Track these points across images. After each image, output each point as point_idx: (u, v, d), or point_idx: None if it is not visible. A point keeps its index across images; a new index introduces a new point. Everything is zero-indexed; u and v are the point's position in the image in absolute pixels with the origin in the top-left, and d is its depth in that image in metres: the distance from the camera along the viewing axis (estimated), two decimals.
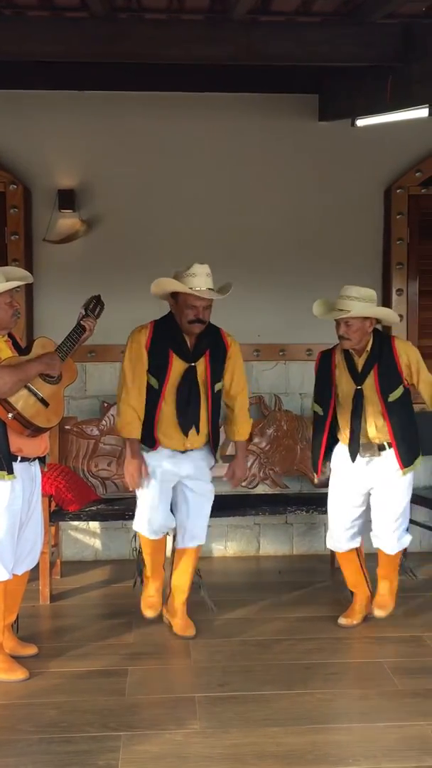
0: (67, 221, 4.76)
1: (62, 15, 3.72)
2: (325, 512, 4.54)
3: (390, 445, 3.64)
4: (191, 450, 3.66)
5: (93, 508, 4.39)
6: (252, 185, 4.85)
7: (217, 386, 3.66)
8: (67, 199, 4.70)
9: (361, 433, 3.63)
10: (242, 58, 3.91)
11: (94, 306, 3.59)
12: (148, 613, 3.78)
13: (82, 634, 3.82)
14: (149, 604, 3.80)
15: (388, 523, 3.71)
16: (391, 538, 3.72)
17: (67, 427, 4.66)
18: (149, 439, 3.63)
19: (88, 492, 4.51)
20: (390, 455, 3.65)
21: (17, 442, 3.27)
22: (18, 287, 3.39)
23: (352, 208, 4.90)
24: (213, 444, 3.73)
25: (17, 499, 3.29)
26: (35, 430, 3.29)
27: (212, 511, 3.77)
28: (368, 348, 3.63)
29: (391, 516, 3.70)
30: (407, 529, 3.81)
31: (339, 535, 3.79)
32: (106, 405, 4.73)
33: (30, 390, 3.27)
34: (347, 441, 3.67)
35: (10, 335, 3.38)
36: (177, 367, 3.58)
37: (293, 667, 3.45)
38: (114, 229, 4.80)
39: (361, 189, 4.91)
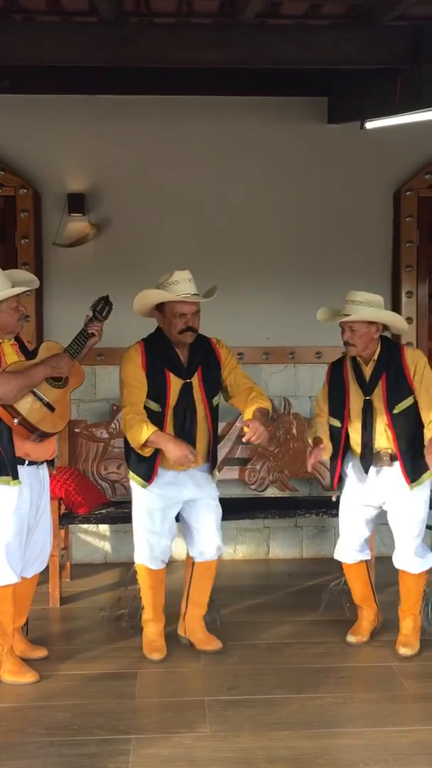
0: (77, 225, 4.77)
1: (72, 20, 3.74)
2: (335, 516, 4.54)
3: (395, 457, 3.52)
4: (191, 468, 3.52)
5: (103, 510, 4.40)
6: (261, 188, 4.85)
7: (215, 400, 3.55)
8: (76, 203, 4.72)
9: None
10: (251, 62, 3.92)
11: (102, 307, 3.58)
12: (155, 656, 3.53)
13: (92, 636, 3.82)
14: (154, 648, 3.56)
15: (408, 542, 3.57)
16: (413, 557, 3.58)
17: (76, 430, 4.67)
18: (148, 472, 3.45)
19: (97, 495, 4.52)
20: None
21: (24, 447, 3.28)
22: (28, 292, 3.39)
23: (362, 210, 4.90)
24: (212, 461, 3.60)
25: (25, 503, 3.30)
26: (41, 435, 3.29)
27: (222, 515, 3.73)
28: (375, 356, 3.51)
29: (410, 534, 3.56)
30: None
31: (347, 546, 3.71)
32: (115, 408, 4.74)
33: (35, 395, 3.26)
34: (359, 453, 3.57)
35: (17, 338, 3.38)
36: (174, 385, 3.45)
37: (304, 670, 3.45)
38: (123, 232, 4.81)
39: (370, 191, 4.90)
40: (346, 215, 4.89)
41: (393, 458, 3.54)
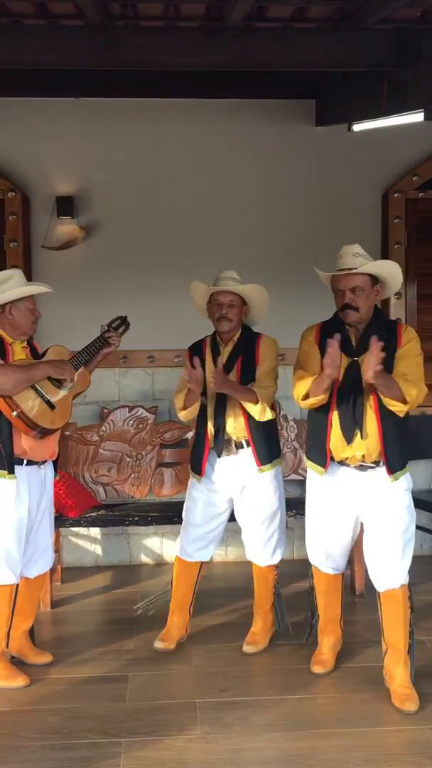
0: (66, 228, 4.77)
1: (58, 23, 3.74)
2: None
3: (248, 443, 3.53)
4: (365, 466, 3.21)
5: (93, 514, 4.40)
6: (249, 190, 4.86)
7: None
8: (65, 206, 4.72)
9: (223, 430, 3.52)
10: (238, 65, 3.93)
11: (119, 325, 3.67)
12: (317, 668, 3.40)
13: (83, 640, 3.82)
14: (319, 660, 3.43)
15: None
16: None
17: (67, 433, 4.66)
18: (323, 457, 3.24)
19: (88, 498, 4.52)
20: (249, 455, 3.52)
21: (23, 444, 3.29)
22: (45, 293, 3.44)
23: (350, 212, 4.91)
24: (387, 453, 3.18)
25: (23, 503, 3.30)
26: (41, 432, 3.30)
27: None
28: (234, 338, 3.59)
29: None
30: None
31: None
32: (105, 411, 4.74)
33: (37, 391, 3.30)
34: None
35: (29, 343, 3.43)
36: (342, 364, 3.17)
37: (294, 671, 3.46)
38: (112, 235, 4.82)
39: (358, 193, 4.92)
40: (334, 217, 4.90)
41: (238, 446, 3.55)
